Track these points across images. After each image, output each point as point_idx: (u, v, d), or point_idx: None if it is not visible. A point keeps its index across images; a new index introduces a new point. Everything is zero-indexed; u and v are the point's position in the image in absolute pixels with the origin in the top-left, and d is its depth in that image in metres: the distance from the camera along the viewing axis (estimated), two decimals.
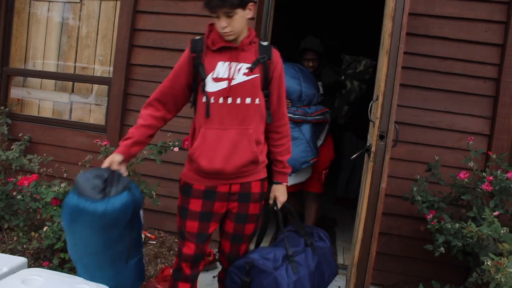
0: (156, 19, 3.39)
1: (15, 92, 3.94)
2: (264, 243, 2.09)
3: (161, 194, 2.84)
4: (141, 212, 1.79)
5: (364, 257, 2.24)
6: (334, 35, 6.05)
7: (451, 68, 2.93)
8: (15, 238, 2.73)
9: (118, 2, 3.56)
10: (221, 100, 1.77)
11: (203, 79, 1.79)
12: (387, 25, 2.24)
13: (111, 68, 3.58)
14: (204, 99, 1.79)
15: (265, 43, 1.88)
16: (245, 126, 1.79)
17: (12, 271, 1.68)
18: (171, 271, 1.98)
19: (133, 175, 2.80)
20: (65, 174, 2.96)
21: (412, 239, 2.94)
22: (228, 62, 1.78)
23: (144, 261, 2.02)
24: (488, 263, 2.06)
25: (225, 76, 1.77)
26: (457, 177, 2.56)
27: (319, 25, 5.98)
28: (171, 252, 3.07)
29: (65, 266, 2.41)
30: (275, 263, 1.84)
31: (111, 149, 2.62)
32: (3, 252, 2.69)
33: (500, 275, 1.96)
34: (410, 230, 2.94)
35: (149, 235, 3.21)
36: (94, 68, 3.73)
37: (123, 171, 1.76)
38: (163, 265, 2.89)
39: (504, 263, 1.99)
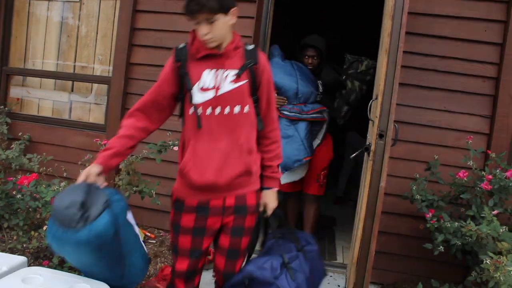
0: (155, 18, 3.39)
1: (15, 92, 3.94)
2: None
3: (160, 193, 2.84)
4: (129, 214, 1.72)
5: (363, 256, 2.24)
6: (334, 34, 6.05)
7: (451, 67, 2.93)
8: (15, 237, 2.73)
9: (118, 1, 3.56)
10: (209, 110, 1.70)
11: (190, 90, 1.72)
12: (387, 24, 2.24)
13: (111, 67, 3.58)
14: (192, 110, 1.72)
15: (250, 47, 1.80)
16: (236, 136, 1.72)
17: (12, 270, 1.67)
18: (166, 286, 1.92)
19: (132, 174, 2.80)
20: (64, 173, 2.96)
21: (411, 238, 2.94)
22: (214, 70, 1.71)
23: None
24: (487, 261, 2.06)
25: (212, 85, 1.70)
26: (457, 176, 2.56)
27: (319, 24, 5.97)
28: (171, 251, 3.07)
29: (65, 265, 2.41)
30: (273, 272, 1.77)
31: None
32: (3, 251, 2.70)
33: (499, 274, 1.97)
34: (409, 229, 2.94)
35: (148, 234, 3.21)
36: (93, 67, 3.73)
37: (101, 183, 1.67)
38: (162, 264, 2.90)
39: (503, 262, 2.00)
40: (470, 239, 2.30)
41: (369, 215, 2.22)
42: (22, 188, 2.57)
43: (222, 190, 1.74)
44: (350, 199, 4.74)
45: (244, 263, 1.89)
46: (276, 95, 3.05)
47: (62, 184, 2.55)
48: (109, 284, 1.68)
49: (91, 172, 1.65)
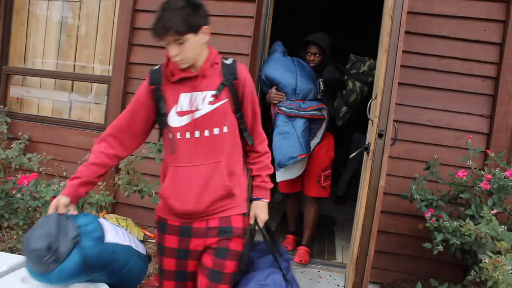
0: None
1: (15, 91, 3.94)
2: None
3: None
4: (110, 234, 1.66)
5: (362, 255, 2.25)
6: (335, 34, 6.05)
7: (450, 67, 2.93)
8: (14, 237, 2.74)
9: (118, 1, 3.56)
10: (187, 135, 1.63)
11: (166, 114, 1.64)
12: (386, 24, 2.25)
13: (111, 67, 3.58)
14: (170, 136, 1.65)
15: (229, 61, 1.69)
16: (216, 160, 1.63)
17: (11, 270, 1.68)
18: None
19: (132, 173, 2.81)
20: (64, 173, 2.96)
21: (410, 237, 2.94)
22: (191, 93, 1.63)
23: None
24: (486, 261, 2.07)
25: (189, 108, 1.62)
26: (456, 176, 2.57)
27: (320, 25, 5.97)
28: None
29: None
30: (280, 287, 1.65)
31: None
32: (2, 250, 2.70)
33: (497, 273, 1.97)
34: (408, 229, 2.94)
35: (148, 233, 3.21)
36: (93, 67, 3.73)
37: (71, 212, 1.63)
38: None
39: (501, 261, 2.00)
40: (469, 238, 2.31)
41: (368, 214, 2.22)
42: (22, 188, 2.57)
43: (204, 215, 1.65)
44: (350, 199, 4.74)
45: None
46: (275, 90, 3.06)
47: (62, 183, 2.55)
48: (109, 285, 1.69)
49: (60, 203, 1.62)
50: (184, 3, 1.53)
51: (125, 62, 3.44)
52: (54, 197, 2.46)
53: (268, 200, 1.80)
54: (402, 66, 2.58)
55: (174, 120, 1.64)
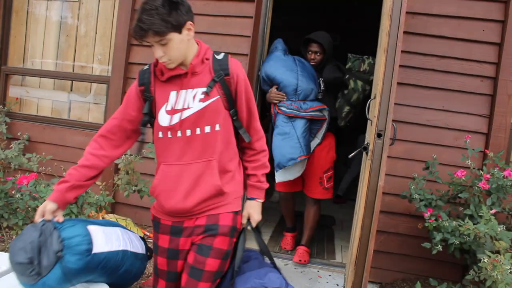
0: None
1: (14, 91, 3.94)
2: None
3: None
4: (99, 243, 1.65)
5: (362, 255, 2.25)
6: (334, 35, 6.04)
7: (449, 67, 2.94)
8: (14, 237, 2.74)
9: (117, 1, 3.56)
10: (179, 133, 1.59)
11: (155, 113, 1.62)
12: (385, 24, 2.25)
13: (110, 67, 3.58)
14: (160, 134, 1.63)
15: (220, 56, 1.64)
16: (207, 158, 1.59)
17: (11, 270, 1.68)
18: None
19: (131, 173, 2.81)
20: (64, 173, 2.95)
21: (409, 237, 2.95)
22: (181, 92, 1.59)
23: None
24: (485, 260, 2.08)
25: (179, 107, 1.59)
26: (455, 175, 2.57)
27: (320, 25, 5.97)
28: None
29: None
30: (281, 283, 1.65)
31: None
32: (2, 250, 2.70)
33: (496, 272, 1.98)
34: (407, 228, 2.95)
35: (148, 233, 3.21)
36: (92, 67, 3.74)
37: (58, 218, 1.61)
38: None
39: (500, 261, 2.01)
40: (468, 238, 2.31)
41: (367, 214, 2.22)
42: (21, 188, 2.58)
43: (193, 213, 1.63)
44: (350, 199, 4.74)
45: None
46: (275, 90, 3.03)
47: None
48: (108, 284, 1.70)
49: (46, 209, 1.59)
50: (162, 2, 1.47)
51: (124, 62, 3.44)
52: None
53: (262, 200, 1.76)
54: (401, 66, 2.59)
55: (164, 118, 1.60)
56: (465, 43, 2.92)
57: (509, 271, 1.98)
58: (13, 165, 3.24)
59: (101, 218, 2.86)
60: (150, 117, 1.64)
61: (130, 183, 2.81)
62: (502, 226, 2.26)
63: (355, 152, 2.54)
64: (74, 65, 3.79)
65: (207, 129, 1.59)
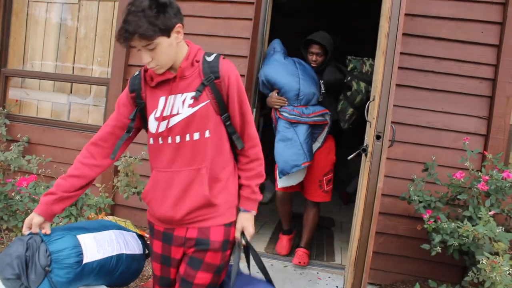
0: None
1: (14, 93, 3.95)
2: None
3: None
4: (90, 253, 1.64)
5: (361, 256, 2.25)
6: (334, 36, 6.05)
7: (448, 69, 2.95)
8: (13, 239, 2.74)
9: (117, 3, 3.57)
10: (169, 140, 1.54)
11: (146, 120, 1.59)
12: (384, 26, 2.26)
13: (109, 69, 3.59)
14: (151, 141, 1.59)
15: (210, 58, 1.55)
16: (197, 166, 1.52)
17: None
18: None
19: (131, 175, 2.81)
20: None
21: (409, 238, 2.95)
22: (170, 97, 1.53)
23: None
24: (484, 262, 2.08)
25: (168, 113, 1.52)
26: (454, 177, 2.58)
27: (320, 26, 5.99)
28: None
29: None
30: None
31: None
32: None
33: (495, 274, 1.98)
34: (407, 230, 2.95)
35: (147, 235, 3.21)
36: (92, 69, 3.74)
37: (45, 231, 1.58)
38: None
39: (499, 262, 2.01)
40: (467, 239, 2.31)
41: (366, 216, 2.23)
42: (21, 190, 2.58)
43: (183, 222, 1.58)
44: (352, 201, 4.75)
45: None
46: (276, 94, 3.00)
47: None
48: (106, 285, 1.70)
49: (33, 223, 1.57)
50: (149, 3, 1.39)
51: (124, 64, 3.44)
52: None
53: (256, 212, 1.69)
54: (400, 67, 2.60)
55: (153, 125, 1.56)
56: (464, 45, 2.93)
57: (507, 272, 1.98)
58: (12, 167, 3.24)
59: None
60: (144, 123, 1.61)
61: (130, 185, 2.81)
62: (500, 227, 2.26)
63: (354, 153, 2.54)
64: (73, 67, 3.79)
65: (196, 135, 1.52)
